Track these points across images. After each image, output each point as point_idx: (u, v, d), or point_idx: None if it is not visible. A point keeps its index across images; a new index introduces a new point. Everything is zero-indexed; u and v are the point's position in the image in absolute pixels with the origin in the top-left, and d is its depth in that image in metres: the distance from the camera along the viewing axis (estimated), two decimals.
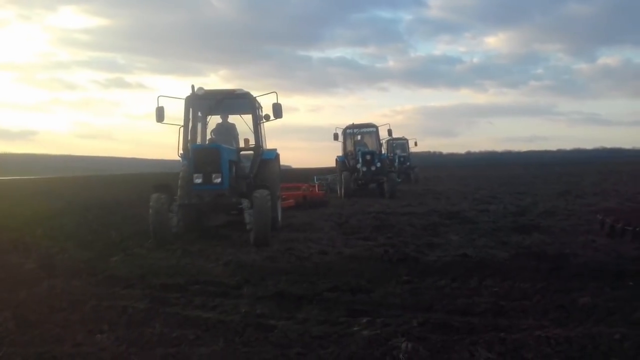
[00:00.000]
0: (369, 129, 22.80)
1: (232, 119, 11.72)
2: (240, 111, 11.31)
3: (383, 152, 23.09)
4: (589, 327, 4.32)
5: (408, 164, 33.37)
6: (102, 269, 7.28)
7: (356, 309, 5.11)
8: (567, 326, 4.37)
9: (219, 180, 9.37)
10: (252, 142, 10.88)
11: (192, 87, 10.27)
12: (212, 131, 11.53)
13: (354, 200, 18.85)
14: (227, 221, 11.74)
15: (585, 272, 6.40)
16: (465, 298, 5.44)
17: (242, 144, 11.21)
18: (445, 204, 16.86)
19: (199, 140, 11.08)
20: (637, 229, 8.46)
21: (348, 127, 22.26)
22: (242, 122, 11.31)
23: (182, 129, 10.50)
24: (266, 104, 11.14)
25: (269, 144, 11.41)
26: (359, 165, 20.76)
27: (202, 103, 10.84)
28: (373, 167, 20.59)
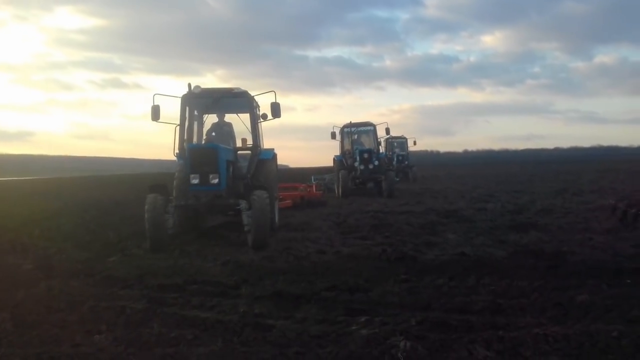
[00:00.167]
0: (367, 128, 22.71)
1: (229, 118, 11.56)
2: (237, 110, 11.17)
3: (381, 150, 22.99)
4: (587, 324, 4.33)
5: (406, 162, 33.36)
6: (100, 270, 7.27)
7: (354, 308, 5.11)
8: (565, 324, 4.38)
9: (216, 181, 9.19)
10: (249, 141, 10.70)
11: (189, 85, 10.13)
12: (209, 130, 11.36)
13: (352, 199, 18.84)
14: (223, 222, 11.64)
15: (582, 270, 6.41)
16: (463, 296, 5.45)
17: (238, 144, 11.03)
18: (442, 202, 16.87)
19: (195, 139, 10.92)
20: None
21: (346, 126, 22.18)
22: (238, 122, 11.19)
23: (178, 128, 10.32)
24: (264, 103, 11.04)
25: (266, 144, 11.22)
26: (356, 164, 20.71)
27: (198, 102, 10.64)
28: (371, 165, 20.54)
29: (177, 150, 10.34)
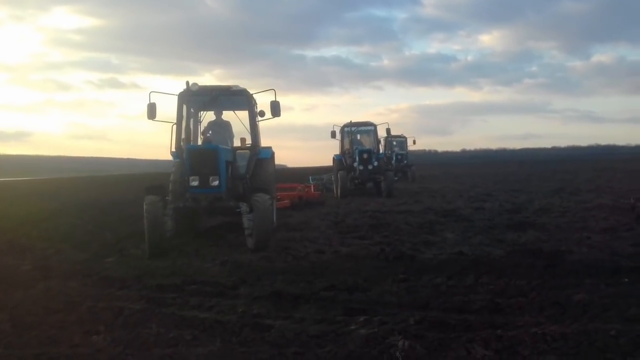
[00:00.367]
0: (367, 128, 22.49)
1: (226, 116, 11.26)
2: (236, 108, 10.92)
3: (381, 151, 22.91)
4: (585, 323, 4.34)
5: (405, 162, 33.22)
6: (98, 270, 7.26)
7: (353, 307, 5.12)
8: (563, 323, 4.39)
9: (216, 183, 8.96)
10: (248, 141, 10.46)
11: (187, 83, 9.89)
12: (206, 129, 11.03)
13: (350, 199, 18.83)
14: (221, 223, 11.52)
15: (580, 269, 6.43)
16: (462, 296, 5.45)
17: (236, 143, 10.81)
18: (440, 202, 16.88)
19: (192, 138, 10.69)
20: None
21: (346, 125, 21.98)
22: (236, 120, 10.93)
23: (174, 126, 10.07)
24: (264, 102, 10.83)
25: (264, 143, 10.92)
26: (355, 164, 20.61)
27: (196, 99, 10.37)
28: (370, 166, 20.42)
29: (173, 149, 10.11)
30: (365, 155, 20.53)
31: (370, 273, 6.61)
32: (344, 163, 21.23)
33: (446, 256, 7.64)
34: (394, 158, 31.78)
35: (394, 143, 33.82)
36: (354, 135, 22.19)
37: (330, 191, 21.38)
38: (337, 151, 22.26)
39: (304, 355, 3.98)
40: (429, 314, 4.84)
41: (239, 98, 10.52)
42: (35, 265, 7.62)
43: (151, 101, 9.66)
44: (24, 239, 10.33)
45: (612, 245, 8.07)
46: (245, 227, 8.83)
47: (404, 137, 34.85)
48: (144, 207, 8.59)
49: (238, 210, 9.09)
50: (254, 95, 10.57)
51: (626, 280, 5.87)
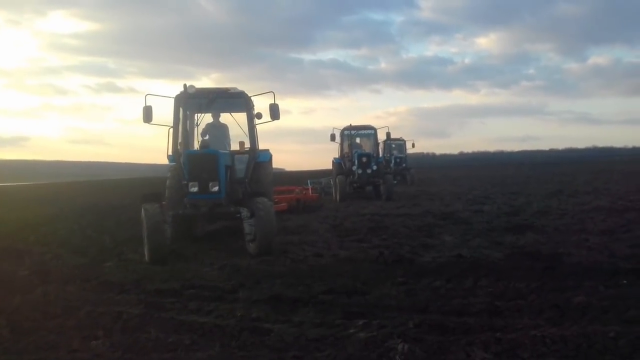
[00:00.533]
0: (367, 131, 22.43)
1: (223, 119, 11.09)
2: (234, 110, 10.77)
3: (380, 155, 22.82)
4: (584, 325, 4.34)
5: (404, 165, 33.13)
6: (96, 275, 7.24)
7: (352, 311, 5.11)
8: (562, 325, 4.39)
9: (216, 188, 8.75)
10: (246, 144, 10.27)
11: (185, 85, 9.62)
12: (203, 131, 10.75)
13: (349, 202, 18.82)
14: (219, 227, 11.39)
15: (579, 271, 6.43)
16: (461, 298, 5.45)
17: (233, 146, 10.61)
18: (439, 204, 16.89)
19: (190, 142, 10.54)
20: None
21: (346, 129, 21.84)
22: (233, 122, 10.80)
23: (171, 130, 9.89)
24: (261, 105, 10.69)
25: (261, 147, 10.74)
26: (354, 168, 20.51)
27: (193, 102, 10.13)
28: (369, 170, 20.32)
29: (170, 152, 9.95)
30: (364, 159, 20.46)
31: (369, 276, 6.60)
32: (343, 166, 21.17)
33: (445, 259, 7.63)
34: (393, 161, 31.71)
35: (393, 146, 33.72)
36: (354, 138, 22.08)
37: (329, 195, 21.33)
38: (336, 154, 22.19)
39: (303, 359, 3.97)
40: (428, 317, 4.83)
41: (237, 100, 10.37)
42: (33, 270, 7.60)
43: (147, 104, 9.45)
44: (21, 244, 10.32)
45: (611, 247, 8.08)
46: (246, 232, 8.64)
47: (403, 140, 34.74)
48: (143, 215, 8.34)
49: (238, 215, 8.94)
50: (251, 98, 10.40)
51: (625, 282, 5.87)
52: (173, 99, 9.92)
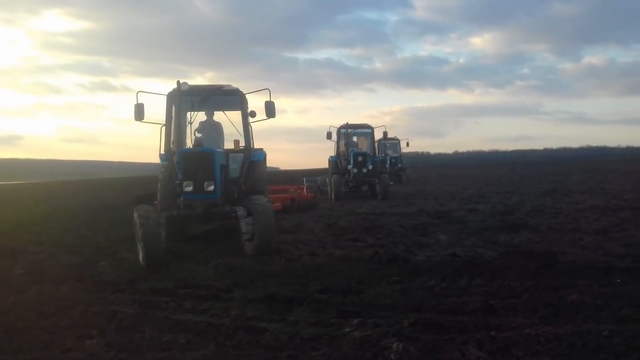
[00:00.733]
0: (364, 130, 22.23)
1: (217, 117, 10.76)
2: (228, 108, 10.47)
3: (377, 154, 22.68)
4: (578, 324, 4.36)
5: (400, 165, 32.92)
6: (91, 274, 7.22)
7: (347, 310, 5.11)
8: (557, 324, 4.41)
9: (211, 188, 8.57)
10: (241, 143, 10.04)
11: (178, 82, 9.36)
12: (197, 130, 10.39)
13: (343, 201, 18.80)
14: (212, 226, 11.20)
15: (573, 270, 6.45)
16: (455, 297, 5.46)
17: (228, 144, 10.36)
18: (434, 204, 16.92)
19: (184, 140, 10.24)
20: None
21: (342, 127, 21.58)
22: (226, 120, 10.48)
23: (164, 128, 9.65)
24: (255, 103, 10.60)
25: (256, 146, 10.38)
26: (350, 167, 20.39)
27: (186, 100, 9.76)
28: (364, 169, 20.18)
29: (162, 151, 9.71)
30: (360, 158, 20.36)
31: (364, 275, 6.61)
32: (339, 165, 21.04)
33: (440, 258, 7.64)
34: (388, 162, 31.47)
35: (387, 145, 33.42)
36: (350, 137, 21.88)
37: (324, 194, 21.21)
38: (332, 153, 22.01)
39: (298, 358, 3.97)
40: (423, 315, 4.84)
41: (231, 98, 10.14)
42: (27, 270, 7.58)
43: (139, 102, 9.23)
44: (15, 243, 10.28)
45: (604, 246, 8.11)
46: (243, 231, 8.48)
47: (397, 140, 34.47)
48: (137, 218, 8.02)
49: (234, 215, 8.80)
50: (246, 96, 10.13)
51: (618, 280, 5.89)
52: (165, 97, 9.72)
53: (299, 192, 17.46)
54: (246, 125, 10.06)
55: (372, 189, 20.46)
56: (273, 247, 8.52)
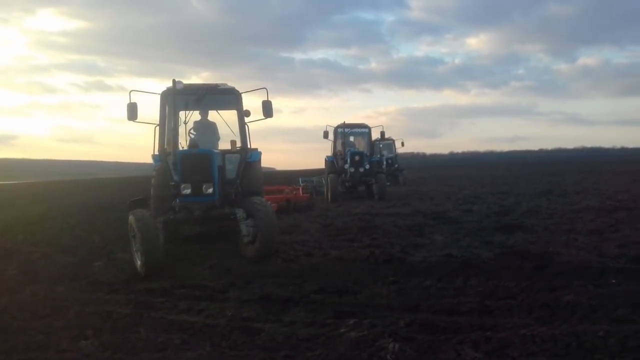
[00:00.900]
0: (361, 130, 22.12)
1: (211, 117, 10.52)
2: (224, 107, 10.22)
3: (374, 154, 22.56)
4: (573, 324, 4.37)
5: (396, 165, 32.78)
6: (86, 274, 7.21)
7: (343, 310, 5.11)
8: (552, 324, 4.42)
9: (210, 190, 8.32)
10: (237, 142, 9.69)
11: (173, 81, 8.86)
12: (191, 130, 10.11)
13: (340, 202, 18.78)
14: (205, 230, 10.61)
15: (568, 270, 6.47)
16: (451, 298, 5.47)
17: (223, 144, 10.15)
18: (429, 204, 16.93)
19: (180, 141, 9.80)
20: None
21: (339, 126, 21.35)
22: (221, 120, 10.23)
23: (157, 128, 9.34)
24: (251, 103, 10.47)
25: (251, 146, 10.12)
26: (346, 166, 20.23)
27: (180, 99, 9.32)
28: (361, 168, 20.03)
29: (156, 152, 9.43)
30: (357, 158, 20.17)
31: (360, 276, 6.61)
32: (335, 165, 20.94)
33: (435, 258, 7.65)
34: (384, 162, 31.32)
35: (381, 146, 33.18)
36: (347, 136, 21.72)
37: (320, 194, 21.14)
38: (328, 153, 21.85)
39: (294, 358, 3.97)
40: (419, 316, 4.85)
41: (227, 97, 9.90)
42: (21, 270, 7.55)
43: (132, 101, 8.93)
44: (9, 243, 10.24)
45: (599, 247, 8.13)
46: (243, 234, 8.21)
47: (392, 140, 34.29)
48: (134, 223, 7.61)
49: (232, 217, 8.56)
50: (241, 95, 9.87)
51: (613, 281, 5.91)
52: (159, 96, 9.45)
53: (294, 192, 17.40)
54: (242, 125, 9.86)
55: (369, 189, 20.35)
56: (274, 250, 8.35)
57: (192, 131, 10.14)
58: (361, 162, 20.14)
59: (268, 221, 8.12)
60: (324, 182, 21.51)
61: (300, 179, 23.93)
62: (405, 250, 8.45)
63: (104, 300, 5.84)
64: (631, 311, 4.67)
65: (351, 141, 22.18)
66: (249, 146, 9.90)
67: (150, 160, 9.92)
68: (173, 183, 8.63)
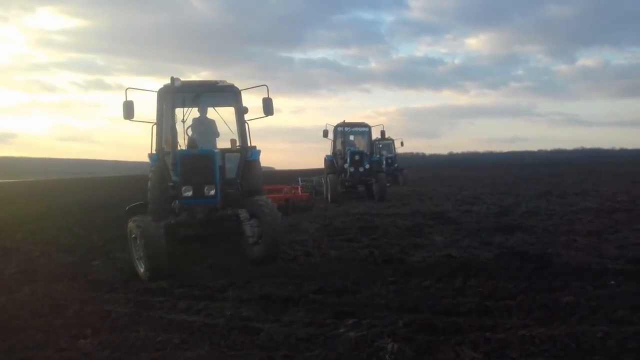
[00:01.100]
0: (361, 129, 21.85)
1: (211, 114, 10.21)
2: (222, 105, 9.97)
3: (374, 154, 22.45)
4: (572, 325, 4.37)
5: (396, 165, 32.66)
6: (84, 273, 7.20)
7: (342, 310, 5.11)
8: (551, 325, 4.42)
9: (212, 192, 8.03)
10: (237, 141, 9.45)
11: (172, 78, 8.56)
12: (189, 128, 9.81)
13: (339, 202, 18.73)
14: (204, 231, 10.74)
15: (567, 271, 6.48)
16: (450, 298, 5.47)
17: (222, 142, 9.88)
18: (429, 204, 16.93)
19: (179, 140, 9.48)
20: None
21: (339, 125, 21.15)
22: (219, 118, 9.97)
23: (155, 127, 9.06)
24: (250, 102, 10.26)
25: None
26: (346, 166, 20.06)
27: (178, 96, 9.04)
28: (361, 168, 19.84)
29: (153, 151, 9.12)
30: (357, 157, 19.94)
31: (359, 276, 6.61)
32: (335, 164, 20.77)
33: (435, 259, 7.66)
34: (384, 162, 31.20)
35: (380, 146, 32.99)
36: (347, 136, 21.54)
37: (320, 194, 21.01)
38: (327, 153, 21.56)
39: (293, 358, 3.97)
40: (418, 316, 4.85)
41: (226, 94, 9.63)
42: (20, 269, 7.54)
43: (128, 99, 8.61)
44: (8, 242, 10.23)
45: (599, 248, 8.14)
46: (248, 235, 7.93)
47: (391, 140, 34.13)
48: (136, 230, 7.35)
49: (235, 218, 8.26)
50: (240, 92, 9.59)
51: (612, 282, 5.92)
52: (156, 93, 9.14)
53: (293, 192, 17.26)
54: (242, 123, 9.61)
55: (369, 189, 20.18)
56: (280, 251, 8.17)
57: (189, 129, 9.90)
58: (361, 162, 19.94)
59: (273, 220, 7.92)
60: (323, 181, 21.40)
61: (299, 179, 23.83)
62: (405, 250, 8.46)
63: (103, 299, 5.83)
64: (630, 312, 4.67)
65: (351, 140, 22.02)
66: (249, 144, 9.66)
67: (147, 159, 9.76)
68: (172, 184, 8.45)
